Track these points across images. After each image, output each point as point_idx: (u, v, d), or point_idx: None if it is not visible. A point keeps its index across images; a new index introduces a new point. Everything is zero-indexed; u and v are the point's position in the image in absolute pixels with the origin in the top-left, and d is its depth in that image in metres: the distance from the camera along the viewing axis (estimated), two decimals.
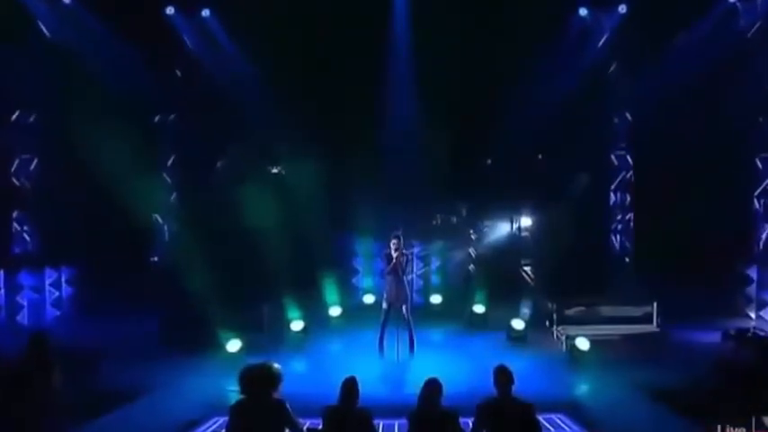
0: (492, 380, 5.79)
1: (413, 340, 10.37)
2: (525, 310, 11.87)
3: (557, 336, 11.38)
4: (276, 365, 5.38)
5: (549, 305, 11.90)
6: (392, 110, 13.79)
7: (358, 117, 13.33)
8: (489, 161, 15.49)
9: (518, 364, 6.39)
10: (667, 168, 13.13)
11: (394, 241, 10.23)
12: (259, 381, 5.25)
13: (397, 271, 10.23)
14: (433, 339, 11.46)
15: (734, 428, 6.07)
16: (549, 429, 7.49)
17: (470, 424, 5.73)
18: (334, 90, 13.48)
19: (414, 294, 11.84)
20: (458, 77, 13.41)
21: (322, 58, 13.50)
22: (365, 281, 14.05)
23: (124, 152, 12.32)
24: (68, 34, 13.45)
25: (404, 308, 10.31)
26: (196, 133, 14.23)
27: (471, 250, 15.02)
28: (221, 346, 10.31)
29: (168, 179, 14.96)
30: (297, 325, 11.35)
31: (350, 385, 5.71)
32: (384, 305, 10.42)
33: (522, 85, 13.21)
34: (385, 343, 10.37)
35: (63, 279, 13.78)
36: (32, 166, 13.91)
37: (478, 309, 12.36)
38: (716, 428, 6.07)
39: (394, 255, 10.20)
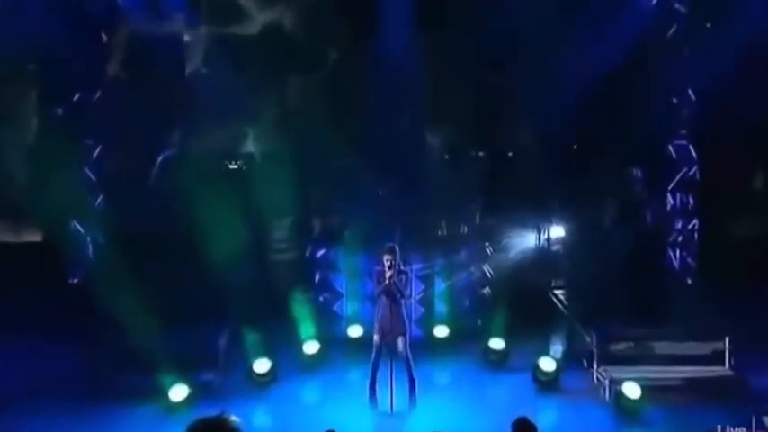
0: None
1: (413, 384, 10.38)
2: (557, 346, 11.93)
3: (598, 379, 11.41)
4: (234, 418, 5.36)
5: (588, 339, 11.95)
6: (386, 82, 13.75)
7: (343, 91, 13.34)
8: (510, 153, 15.53)
9: (547, 416, 6.49)
10: (743, 163, 13.16)
11: (387, 257, 10.24)
12: None
13: (392, 294, 10.25)
14: (437, 383, 11.50)
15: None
16: None
17: None
18: (311, 59, 13.48)
19: (413, 325, 11.85)
20: (469, 43, 13.44)
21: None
22: (350, 307, 14.02)
23: (33, 140, 12.26)
24: None
25: (400, 341, 10.30)
26: (129, 117, 14.18)
27: (487, 268, 15.05)
28: (162, 393, 10.29)
29: (92, 176, 14.85)
30: (261, 365, 11.34)
31: None
32: (375, 338, 10.43)
33: (553, 55, 13.24)
34: (378, 388, 10.38)
35: None
36: None
37: (496, 344, 12.37)
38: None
39: (387, 273, 10.21)
